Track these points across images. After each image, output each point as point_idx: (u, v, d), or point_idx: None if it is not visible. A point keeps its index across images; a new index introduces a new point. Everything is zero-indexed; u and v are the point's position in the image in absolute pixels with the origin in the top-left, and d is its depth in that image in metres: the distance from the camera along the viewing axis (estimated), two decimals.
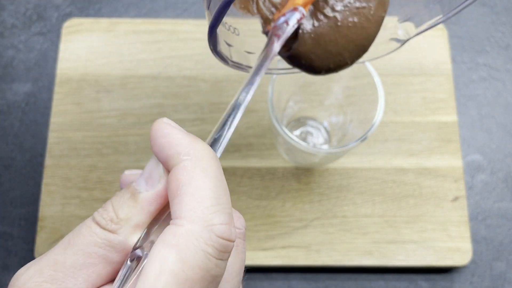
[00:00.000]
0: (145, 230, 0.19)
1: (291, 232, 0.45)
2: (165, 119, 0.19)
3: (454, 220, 0.45)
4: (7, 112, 0.49)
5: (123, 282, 0.18)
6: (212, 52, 0.24)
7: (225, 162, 0.46)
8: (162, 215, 0.20)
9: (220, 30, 0.24)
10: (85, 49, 0.49)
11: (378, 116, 0.36)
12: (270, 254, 0.44)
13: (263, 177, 0.46)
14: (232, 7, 0.25)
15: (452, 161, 0.47)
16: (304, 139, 0.47)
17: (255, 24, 0.27)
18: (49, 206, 0.45)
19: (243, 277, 0.22)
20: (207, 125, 0.47)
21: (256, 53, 0.28)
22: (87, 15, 0.52)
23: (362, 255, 0.44)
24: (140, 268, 0.18)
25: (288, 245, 0.44)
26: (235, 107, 0.21)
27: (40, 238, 0.44)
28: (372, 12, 0.25)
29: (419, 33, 0.27)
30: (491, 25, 0.53)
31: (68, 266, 0.18)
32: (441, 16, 0.26)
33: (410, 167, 0.47)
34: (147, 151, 0.47)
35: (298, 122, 0.48)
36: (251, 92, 0.22)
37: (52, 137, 0.47)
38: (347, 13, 0.25)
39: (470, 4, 0.23)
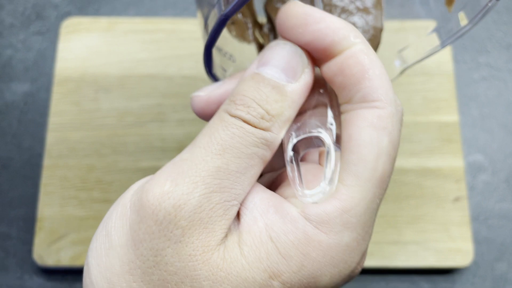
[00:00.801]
0: (291, 124, 0.18)
1: None
2: (297, 2, 0.18)
3: (456, 220, 0.45)
4: (5, 112, 0.49)
5: (299, 177, 0.17)
6: (207, 74, 0.24)
7: None
8: (306, 106, 0.19)
9: (216, 55, 0.23)
10: (84, 48, 0.49)
11: None
12: None
13: None
14: (227, 34, 0.25)
15: (453, 161, 0.47)
16: None
17: (251, 50, 0.27)
18: (47, 207, 0.44)
19: None
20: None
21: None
22: (86, 14, 0.52)
23: None
24: (332, 159, 0.17)
25: None
26: None
27: (39, 239, 0.43)
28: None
29: (417, 61, 0.28)
30: (493, 25, 0.53)
31: (233, 172, 0.16)
32: (438, 44, 0.26)
33: (411, 167, 0.46)
34: (146, 151, 0.46)
35: None
36: None
37: (51, 137, 0.46)
38: None
39: (466, 32, 0.23)
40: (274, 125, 0.17)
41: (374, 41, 0.26)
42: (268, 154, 0.17)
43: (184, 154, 0.17)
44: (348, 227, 0.16)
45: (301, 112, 0.19)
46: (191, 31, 0.50)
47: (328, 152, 0.17)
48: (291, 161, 0.18)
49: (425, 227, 0.45)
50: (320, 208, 0.16)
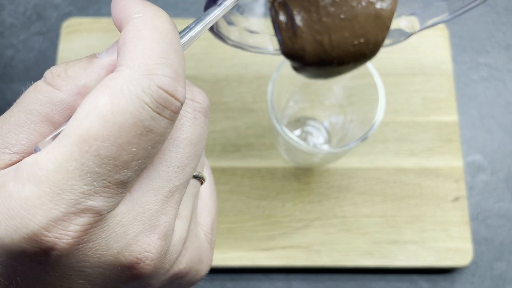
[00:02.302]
0: None
1: (291, 232, 0.44)
2: None
3: (455, 220, 0.45)
4: None
5: (53, 133, 0.17)
6: (209, 31, 0.24)
7: (225, 162, 0.46)
8: None
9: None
10: (85, 48, 0.49)
11: (379, 116, 0.36)
12: (270, 254, 0.44)
13: (263, 177, 0.46)
14: None
15: (452, 161, 0.47)
16: (304, 139, 0.47)
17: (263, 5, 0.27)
18: None
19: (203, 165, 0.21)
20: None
21: (261, 33, 0.28)
22: (86, 14, 0.52)
23: (363, 256, 0.44)
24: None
25: (288, 245, 0.44)
26: (214, 6, 0.20)
27: None
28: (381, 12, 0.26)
29: (424, 28, 0.27)
30: (492, 25, 0.53)
31: (11, 123, 0.17)
32: (446, 14, 0.25)
33: (410, 167, 0.47)
34: None
35: (298, 122, 0.48)
36: None
37: None
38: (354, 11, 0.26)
39: (477, 5, 0.23)
40: (66, 86, 0.17)
41: None
42: (55, 115, 0.17)
43: None
44: (33, 179, 0.15)
45: None
46: None
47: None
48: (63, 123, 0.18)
49: (424, 226, 0.45)
50: (27, 158, 0.16)
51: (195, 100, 0.19)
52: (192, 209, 0.20)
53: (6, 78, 0.50)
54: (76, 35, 0.50)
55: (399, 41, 0.29)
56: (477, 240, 0.46)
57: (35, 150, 0.17)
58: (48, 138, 0.17)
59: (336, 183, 0.46)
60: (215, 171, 0.45)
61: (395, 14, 0.27)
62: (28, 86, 0.18)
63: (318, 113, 0.47)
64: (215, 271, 0.45)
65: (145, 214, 0.17)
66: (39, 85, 0.17)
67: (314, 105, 0.47)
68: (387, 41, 0.28)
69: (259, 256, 0.44)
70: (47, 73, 0.18)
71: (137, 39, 0.16)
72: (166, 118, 0.16)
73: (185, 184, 0.19)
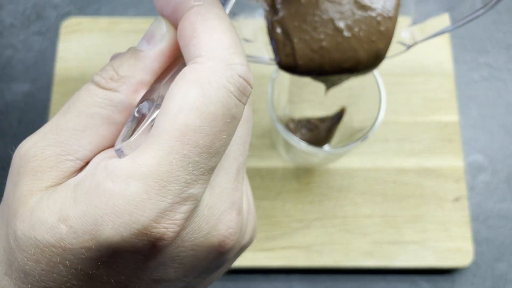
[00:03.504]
0: (149, 89, 0.18)
1: (291, 232, 0.44)
2: None
3: (455, 220, 0.45)
4: (5, 112, 0.49)
5: (129, 133, 0.17)
6: None
7: None
8: (166, 74, 0.19)
9: None
10: (84, 48, 0.49)
11: (379, 116, 0.36)
12: (270, 255, 0.44)
13: (263, 177, 0.46)
14: None
15: (453, 161, 0.47)
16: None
17: (255, 8, 0.27)
18: None
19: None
20: None
21: (256, 42, 0.28)
22: (86, 14, 0.52)
23: (363, 256, 0.44)
24: (152, 115, 0.17)
25: (288, 245, 0.44)
26: None
27: None
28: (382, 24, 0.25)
29: (426, 39, 0.27)
30: (492, 25, 0.53)
31: (70, 129, 0.17)
32: (448, 24, 0.25)
33: (411, 167, 0.46)
34: None
35: (298, 122, 0.48)
36: None
37: None
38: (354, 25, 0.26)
39: (480, 15, 0.23)
40: (122, 86, 0.17)
41: None
42: (116, 116, 0.18)
43: None
44: (136, 176, 0.15)
45: (162, 79, 0.19)
46: None
47: (151, 112, 0.17)
48: (129, 120, 0.18)
49: (425, 227, 0.45)
50: (118, 159, 0.16)
51: None
52: (244, 180, 0.21)
53: (6, 78, 0.50)
54: (76, 35, 0.50)
55: (400, 53, 0.29)
56: (477, 241, 0.46)
57: (119, 152, 0.17)
58: (132, 139, 0.17)
59: (336, 183, 0.46)
60: None
61: (396, 26, 0.27)
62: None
63: (318, 113, 0.47)
64: None
65: (224, 193, 0.18)
66: (92, 89, 0.18)
67: (314, 105, 0.47)
68: (388, 53, 0.28)
69: (259, 257, 0.44)
70: (98, 78, 0.18)
71: (209, 29, 0.17)
72: (243, 103, 0.17)
73: (245, 161, 0.20)
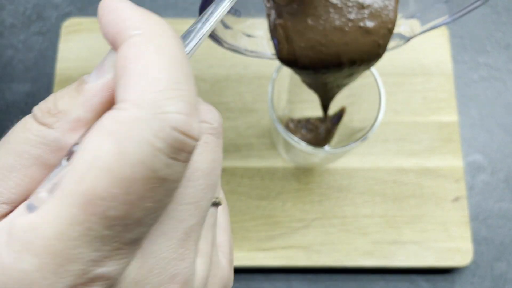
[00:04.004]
0: (88, 129, 0.15)
1: (291, 232, 0.44)
2: None
3: (455, 220, 0.45)
4: (6, 112, 0.49)
5: (50, 182, 0.15)
6: None
7: (225, 162, 0.46)
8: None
9: None
10: (85, 48, 0.49)
11: (379, 116, 0.36)
12: (270, 254, 0.44)
13: (263, 177, 0.46)
14: None
15: (452, 161, 0.47)
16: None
17: (259, 4, 0.27)
18: None
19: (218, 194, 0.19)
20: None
21: (257, 37, 0.28)
22: (86, 14, 0.52)
23: (363, 256, 0.44)
24: (59, 168, 0.15)
25: (288, 245, 0.44)
26: (216, 3, 0.18)
27: None
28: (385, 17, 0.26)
29: (424, 31, 0.27)
30: (492, 25, 0.53)
31: None
32: (447, 16, 0.25)
33: (410, 167, 0.47)
34: None
35: (298, 122, 0.48)
36: None
37: None
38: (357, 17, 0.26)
39: (477, 7, 0.23)
40: (58, 122, 0.15)
41: None
42: (49, 156, 0.15)
43: None
44: (29, 249, 0.13)
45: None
46: None
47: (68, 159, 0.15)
48: (57, 166, 0.15)
49: (424, 227, 0.45)
50: (22, 217, 0.13)
51: (204, 121, 0.17)
52: (212, 241, 0.18)
53: (6, 78, 0.50)
54: (76, 35, 0.50)
55: (398, 46, 0.29)
56: (477, 240, 0.46)
57: (29, 208, 0.14)
58: (42, 192, 0.14)
59: (336, 183, 0.46)
60: None
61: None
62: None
63: (318, 113, 0.47)
64: None
65: (160, 264, 0.15)
66: (28, 122, 0.15)
67: (314, 105, 0.47)
68: (388, 46, 0.28)
69: (259, 256, 0.44)
70: (36, 110, 0.15)
71: (141, 67, 0.14)
72: (182, 161, 0.14)
73: (202, 220, 0.16)
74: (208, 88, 0.48)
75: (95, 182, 0.13)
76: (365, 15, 0.25)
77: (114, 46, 0.15)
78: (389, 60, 0.49)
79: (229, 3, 0.19)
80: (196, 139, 0.14)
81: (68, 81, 0.48)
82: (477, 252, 0.46)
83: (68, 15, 0.52)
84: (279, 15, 0.27)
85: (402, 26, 0.28)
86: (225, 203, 0.21)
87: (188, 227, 0.16)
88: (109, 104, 0.15)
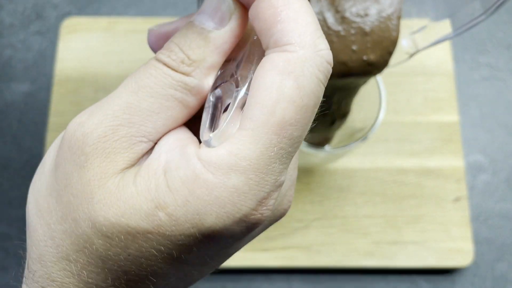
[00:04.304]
0: (219, 72, 0.18)
1: (291, 232, 0.44)
2: None
3: (456, 220, 0.45)
4: (5, 112, 0.49)
5: (209, 120, 0.17)
6: None
7: None
8: (235, 54, 0.18)
9: None
10: (84, 48, 0.49)
11: (380, 116, 0.36)
12: (270, 255, 0.44)
13: None
14: None
15: (453, 161, 0.47)
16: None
17: None
18: None
19: None
20: None
21: None
22: (85, 14, 0.52)
23: (363, 256, 0.44)
24: (236, 101, 0.17)
25: (288, 245, 0.44)
26: None
27: None
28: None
29: (427, 46, 0.27)
30: (493, 25, 0.53)
31: (144, 109, 0.17)
32: (450, 31, 0.25)
33: (411, 167, 0.46)
34: None
35: None
36: None
37: (51, 137, 0.46)
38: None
39: (480, 22, 0.23)
40: (195, 71, 0.17)
41: None
42: (190, 100, 0.17)
43: (111, 93, 0.18)
44: (236, 169, 0.16)
45: (232, 59, 0.18)
46: None
47: (235, 97, 0.17)
48: (208, 106, 0.18)
49: (425, 227, 0.45)
50: (213, 150, 0.16)
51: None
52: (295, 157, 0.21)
53: (5, 77, 0.50)
54: (75, 35, 0.50)
55: (403, 61, 0.29)
56: (478, 241, 0.46)
57: (207, 142, 0.17)
58: (221, 128, 0.17)
59: (337, 183, 0.46)
60: None
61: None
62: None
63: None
64: (215, 272, 0.44)
65: (289, 173, 0.19)
66: (164, 70, 0.17)
67: None
68: (392, 62, 0.28)
69: (259, 257, 0.44)
70: (168, 60, 0.17)
71: (293, 13, 0.16)
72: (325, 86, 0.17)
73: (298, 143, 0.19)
74: None
75: (284, 113, 0.16)
76: (368, 45, 0.26)
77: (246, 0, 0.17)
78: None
79: None
80: (332, 67, 0.17)
81: (68, 80, 0.48)
82: (478, 253, 0.46)
83: (67, 14, 0.52)
84: None
85: (405, 40, 0.28)
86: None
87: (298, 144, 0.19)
88: (234, 46, 0.18)
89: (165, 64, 0.17)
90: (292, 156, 0.17)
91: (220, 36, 0.17)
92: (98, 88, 0.48)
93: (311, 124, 0.17)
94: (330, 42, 0.26)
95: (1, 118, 0.49)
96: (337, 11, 0.26)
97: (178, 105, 0.17)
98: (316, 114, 0.17)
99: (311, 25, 0.16)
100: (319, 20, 0.25)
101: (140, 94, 0.17)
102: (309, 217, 0.45)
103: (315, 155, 0.39)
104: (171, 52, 0.17)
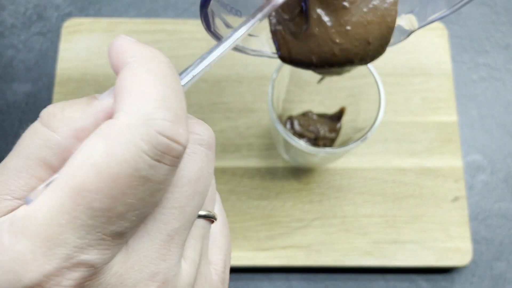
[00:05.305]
0: None
1: (291, 232, 0.45)
2: (122, 35, 0.18)
3: (454, 220, 0.45)
4: (7, 112, 0.49)
5: (49, 180, 0.16)
6: (206, 31, 0.24)
7: (225, 162, 0.46)
8: None
9: (220, 11, 0.24)
10: (85, 49, 0.49)
11: (379, 116, 0.36)
12: (270, 254, 0.44)
13: (263, 177, 0.46)
14: None
15: (452, 161, 0.47)
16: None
17: (260, 4, 0.27)
18: None
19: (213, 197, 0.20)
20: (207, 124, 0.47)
21: (259, 36, 0.28)
22: (87, 15, 0.52)
23: (362, 255, 0.44)
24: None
25: (288, 245, 0.44)
26: (218, 43, 0.20)
27: None
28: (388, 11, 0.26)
29: (423, 25, 0.27)
30: (491, 25, 0.53)
31: (11, 168, 0.17)
32: (445, 10, 0.25)
33: (410, 167, 0.47)
34: None
35: None
36: (240, 31, 0.21)
37: None
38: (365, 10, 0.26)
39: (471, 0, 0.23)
40: (62, 128, 0.17)
41: None
42: (52, 159, 0.17)
43: None
44: (25, 233, 0.15)
45: None
46: (191, 31, 0.50)
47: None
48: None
49: (424, 226, 0.45)
50: (22, 207, 0.16)
51: (193, 132, 0.18)
52: (200, 251, 0.19)
53: (7, 78, 0.50)
54: (77, 36, 0.50)
55: (399, 41, 0.29)
56: (476, 240, 0.46)
57: (27, 201, 0.16)
58: (40, 187, 0.16)
59: (336, 183, 0.46)
60: (215, 171, 0.45)
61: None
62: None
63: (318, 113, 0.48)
64: None
65: (142, 261, 0.17)
66: (35, 127, 0.17)
67: (314, 105, 0.47)
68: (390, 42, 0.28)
69: (259, 256, 0.44)
70: (43, 113, 0.17)
71: (133, 84, 0.16)
72: (167, 164, 0.15)
73: (187, 226, 0.18)
74: (208, 88, 0.48)
75: (85, 177, 0.14)
76: (366, 29, 0.26)
77: (117, 74, 0.17)
78: (389, 60, 0.49)
79: (234, 40, 0.21)
80: (182, 145, 0.16)
81: (69, 81, 0.48)
82: (476, 252, 0.46)
83: (68, 15, 0.52)
84: (280, 17, 0.27)
85: (402, 20, 0.28)
86: (227, 226, 0.22)
87: (171, 229, 0.17)
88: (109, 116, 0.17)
89: (39, 119, 0.17)
90: (108, 234, 0.15)
91: (100, 104, 0.17)
92: (99, 88, 0.48)
93: (139, 201, 0.15)
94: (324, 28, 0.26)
95: (2, 118, 0.49)
96: None
97: (39, 164, 0.17)
98: None
99: (151, 94, 0.15)
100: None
101: (12, 153, 0.17)
102: (309, 216, 0.45)
103: (315, 155, 0.39)
104: (53, 106, 0.17)
